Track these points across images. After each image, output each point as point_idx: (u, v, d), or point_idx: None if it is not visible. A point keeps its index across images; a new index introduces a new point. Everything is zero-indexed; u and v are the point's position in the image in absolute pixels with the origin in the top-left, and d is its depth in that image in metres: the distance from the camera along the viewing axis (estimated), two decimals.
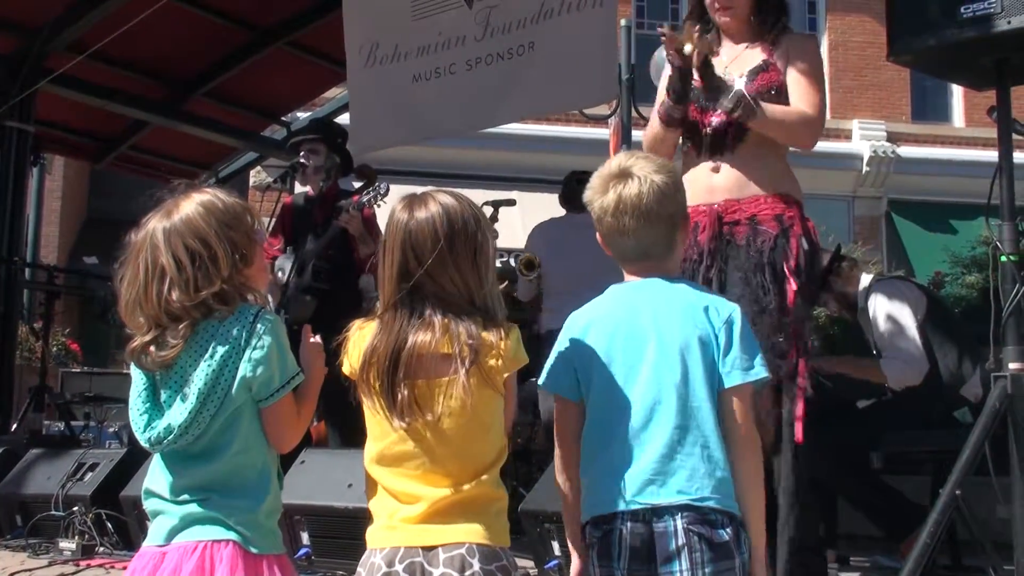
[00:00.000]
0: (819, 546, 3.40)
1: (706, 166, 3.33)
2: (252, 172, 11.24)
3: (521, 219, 7.79)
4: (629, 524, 2.01)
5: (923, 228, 14.67)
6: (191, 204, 2.12)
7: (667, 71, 3.32)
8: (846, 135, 15.17)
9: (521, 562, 3.98)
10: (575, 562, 2.15)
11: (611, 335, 2.12)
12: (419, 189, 2.19)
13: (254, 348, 2.06)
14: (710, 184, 3.30)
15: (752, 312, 2.99)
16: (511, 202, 5.91)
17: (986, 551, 3.02)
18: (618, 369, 2.10)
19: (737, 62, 3.36)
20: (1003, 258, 3.20)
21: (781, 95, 3.28)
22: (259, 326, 2.07)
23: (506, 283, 5.62)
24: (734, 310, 2.13)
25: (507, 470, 5.30)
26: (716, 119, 3.29)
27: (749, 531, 2.05)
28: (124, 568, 2.64)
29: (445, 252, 2.01)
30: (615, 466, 2.05)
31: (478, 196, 5.55)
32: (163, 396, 2.09)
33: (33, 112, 6.40)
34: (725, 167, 3.30)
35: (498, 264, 2.86)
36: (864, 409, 4.58)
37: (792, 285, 3.16)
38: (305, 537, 4.01)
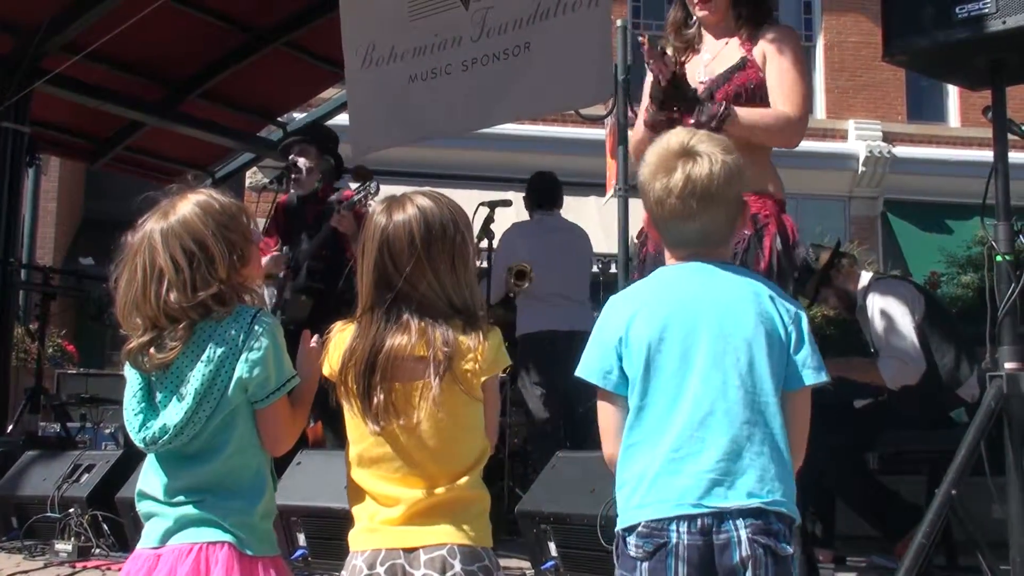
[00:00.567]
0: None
1: None
2: (248, 173, 11.24)
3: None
4: (686, 533, 1.81)
5: (919, 228, 14.66)
6: (188, 205, 2.12)
7: (650, 77, 3.32)
8: (842, 135, 15.16)
9: (518, 563, 3.98)
10: None
11: (663, 321, 1.93)
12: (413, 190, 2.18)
13: (251, 349, 2.05)
14: None
15: None
16: (507, 203, 5.90)
17: (982, 551, 3.02)
18: (671, 358, 1.91)
19: (718, 59, 3.35)
20: (999, 258, 3.20)
21: (761, 92, 3.26)
22: (257, 327, 2.07)
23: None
24: (800, 306, 2.00)
25: (503, 471, 5.32)
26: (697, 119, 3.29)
27: None
28: (120, 570, 2.63)
29: (422, 257, 2.00)
30: (669, 464, 1.85)
31: (474, 197, 5.62)
32: (159, 397, 2.08)
33: (29, 113, 6.37)
34: None
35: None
36: (861, 409, 4.58)
37: None
38: (301, 538, 4.01)
